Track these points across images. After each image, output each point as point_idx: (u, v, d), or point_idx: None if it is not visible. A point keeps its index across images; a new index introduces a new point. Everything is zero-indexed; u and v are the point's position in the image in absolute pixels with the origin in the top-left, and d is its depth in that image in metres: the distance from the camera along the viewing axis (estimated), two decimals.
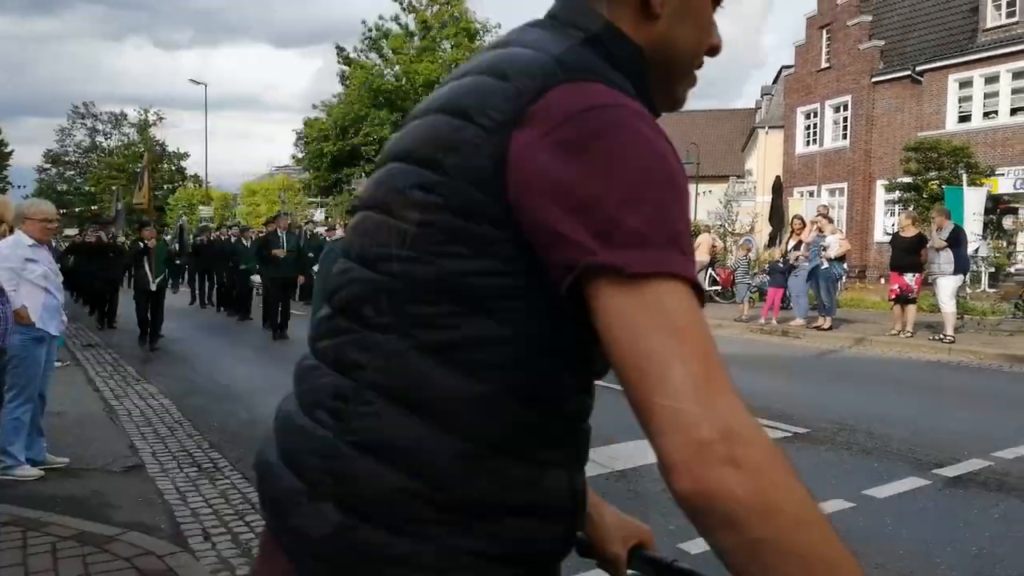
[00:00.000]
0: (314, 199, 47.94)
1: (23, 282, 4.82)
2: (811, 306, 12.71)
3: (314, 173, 34.34)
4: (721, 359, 0.74)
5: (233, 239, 15.89)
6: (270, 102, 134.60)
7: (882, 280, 20.64)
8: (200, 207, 43.43)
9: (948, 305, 10.54)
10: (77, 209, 56.56)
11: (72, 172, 63.99)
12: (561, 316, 0.82)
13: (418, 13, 32.98)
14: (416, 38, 32.91)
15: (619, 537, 1.17)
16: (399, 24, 33.33)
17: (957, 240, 10.46)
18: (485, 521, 0.84)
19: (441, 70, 30.60)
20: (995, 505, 4.43)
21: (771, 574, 0.68)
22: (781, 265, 12.70)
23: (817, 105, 27.21)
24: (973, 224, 14.44)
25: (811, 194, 25.79)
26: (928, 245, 10.63)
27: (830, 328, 11.78)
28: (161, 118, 50.02)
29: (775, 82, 37.47)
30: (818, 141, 27.30)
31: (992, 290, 15.70)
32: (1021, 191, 20.46)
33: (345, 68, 33.73)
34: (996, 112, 21.84)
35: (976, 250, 14.84)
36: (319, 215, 51.30)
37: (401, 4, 33.27)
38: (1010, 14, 21.61)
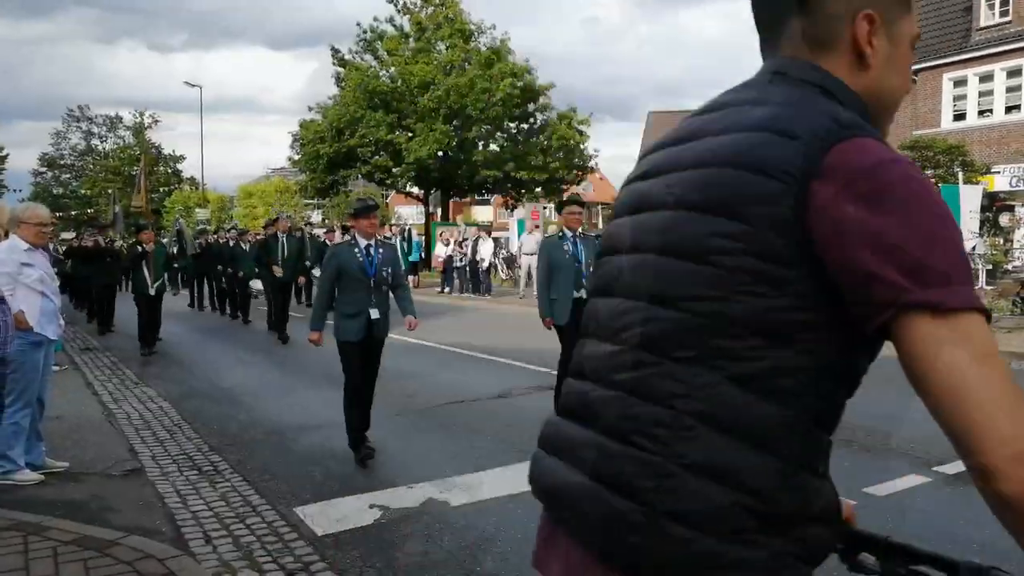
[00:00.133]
0: (311, 201, 47.92)
1: (19, 286, 4.81)
2: None
3: (310, 175, 34.20)
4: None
5: (231, 242, 15.81)
6: (265, 104, 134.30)
7: None
8: (197, 209, 43.42)
9: None
10: (73, 212, 56.41)
11: (68, 175, 63.76)
12: (852, 345, 0.97)
13: (413, 15, 32.93)
14: (411, 40, 32.85)
15: None
16: (394, 26, 33.27)
17: None
18: (796, 528, 0.97)
19: (436, 71, 30.55)
20: None
21: None
22: None
23: None
24: (970, 222, 14.47)
25: None
26: None
27: None
28: (157, 121, 50.19)
29: None
30: None
31: (990, 287, 15.69)
32: (1017, 188, 20.52)
33: (340, 70, 33.64)
34: (991, 110, 21.90)
35: (973, 248, 14.85)
36: (316, 217, 51.35)
37: (396, 6, 33.22)
38: (1003, 13, 21.68)
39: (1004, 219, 19.97)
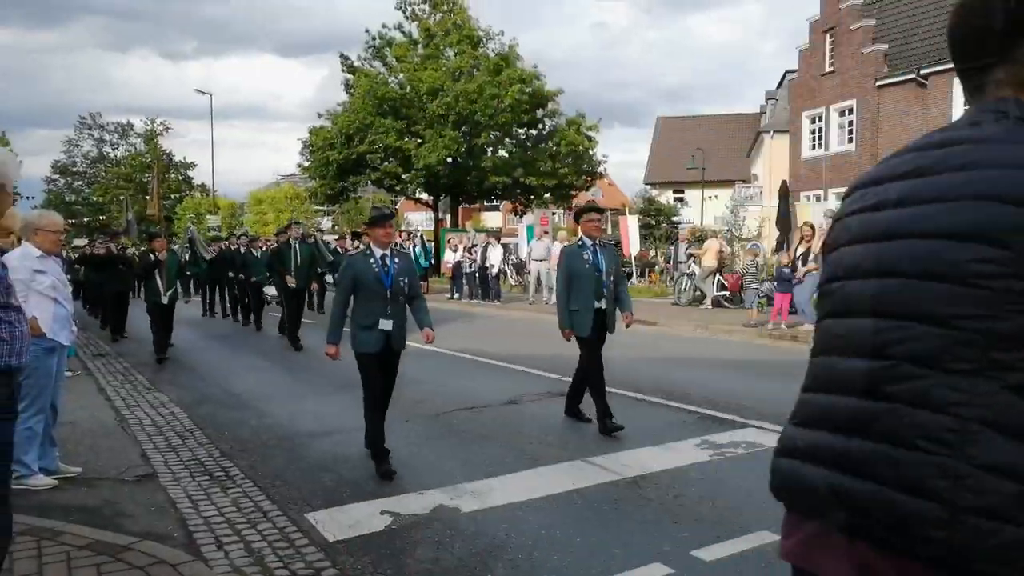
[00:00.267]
0: (320, 207, 48.10)
1: (32, 293, 4.84)
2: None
3: (320, 181, 34.35)
4: None
5: (242, 249, 15.87)
6: (275, 111, 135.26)
7: None
8: (208, 216, 43.65)
9: None
10: (85, 219, 56.83)
11: (80, 183, 64.27)
12: None
13: (421, 21, 33.07)
14: (420, 46, 32.98)
15: None
16: (403, 32, 33.42)
17: None
18: None
19: (445, 78, 30.62)
20: None
21: None
22: (787, 271, 12.67)
23: (822, 109, 27.19)
24: None
25: (818, 198, 25.73)
26: None
27: None
28: (168, 128, 50.54)
29: (779, 86, 37.46)
30: (824, 145, 27.26)
31: None
32: None
33: (349, 77, 33.80)
34: None
35: None
36: (326, 223, 51.53)
37: (404, 13, 33.38)
38: None
39: None
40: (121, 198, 52.85)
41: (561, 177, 32.08)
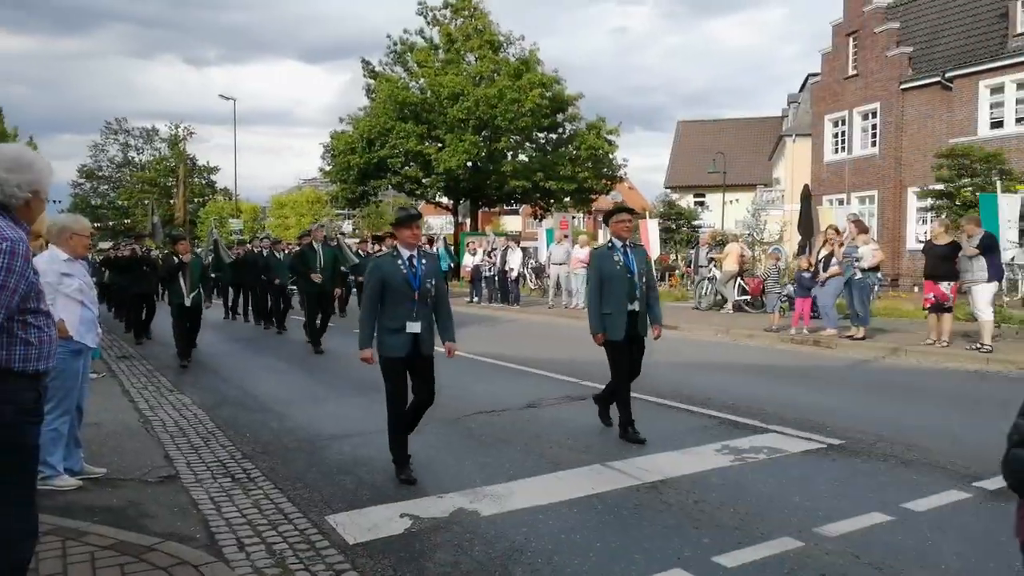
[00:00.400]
0: (341, 211, 48.37)
1: (59, 296, 4.91)
2: (843, 316, 12.53)
3: (341, 186, 34.54)
4: None
5: (265, 252, 15.97)
6: (298, 116, 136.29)
7: (915, 288, 20.31)
8: (230, 220, 44.07)
9: (985, 313, 10.34)
10: (111, 223, 57.59)
11: (105, 187, 65.18)
12: None
13: (442, 27, 33.21)
14: (441, 51, 33.11)
15: None
16: (424, 38, 33.58)
17: (989, 246, 10.26)
18: None
19: (465, 82, 30.72)
20: None
21: None
22: (806, 275, 12.55)
23: (845, 112, 26.95)
24: (1009, 231, 14.15)
25: (840, 202, 25.50)
26: (960, 254, 10.43)
27: (863, 338, 11.60)
28: (191, 133, 51.27)
29: (802, 90, 37.18)
30: (847, 149, 27.02)
31: None
32: None
33: (371, 82, 34.02)
34: None
35: (1012, 258, 14.54)
36: (347, 227, 51.83)
37: (426, 18, 33.54)
38: None
39: None
40: (146, 202, 53.58)
41: (581, 181, 32.05)
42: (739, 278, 17.01)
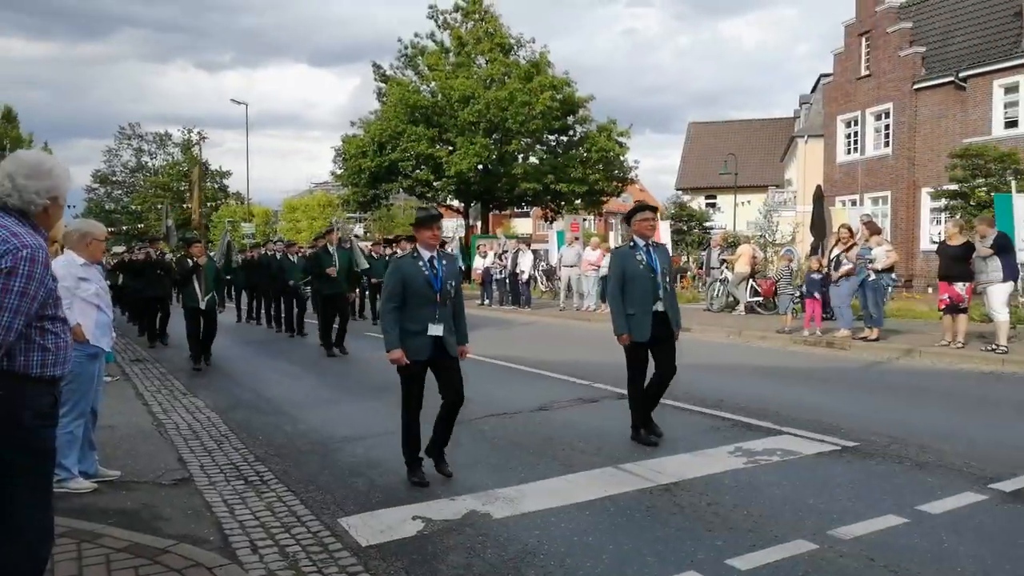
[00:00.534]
0: (353, 214, 48.51)
1: (76, 300, 4.96)
2: (856, 316, 12.45)
3: (352, 189, 34.68)
4: None
5: (279, 255, 16.02)
6: (310, 120, 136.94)
7: (929, 289, 20.17)
8: (242, 224, 44.29)
9: (1001, 314, 10.25)
10: (124, 227, 57.98)
11: (119, 191, 65.64)
12: None
13: (453, 30, 33.32)
14: (451, 54, 33.21)
15: None
16: (434, 41, 33.70)
17: (1002, 246, 10.18)
18: None
19: (476, 85, 30.78)
20: None
21: None
22: (816, 276, 12.48)
23: (858, 113, 26.81)
24: None
25: (853, 203, 25.36)
26: (974, 255, 10.35)
27: (877, 339, 11.53)
28: (204, 137, 51.44)
29: (814, 90, 37.02)
30: (859, 149, 26.87)
31: None
32: None
33: (382, 85, 34.17)
34: None
35: None
36: (359, 230, 51.96)
37: (436, 21, 33.67)
38: None
39: None
40: (159, 206, 53.90)
41: (592, 183, 32.04)
42: (751, 280, 16.94)
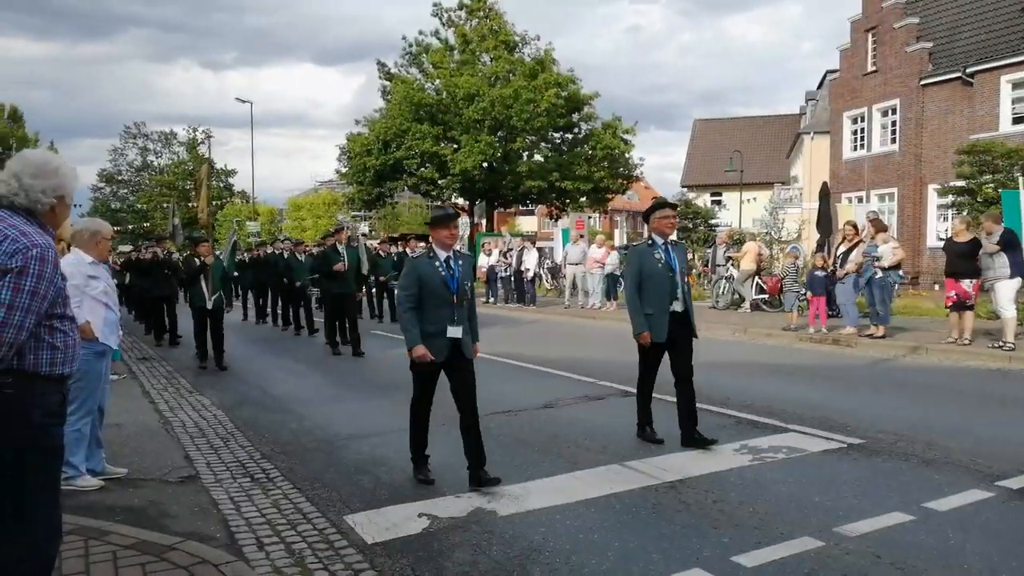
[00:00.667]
0: (358, 213, 48.56)
1: (85, 298, 4.98)
2: (862, 314, 12.42)
3: (357, 187, 34.62)
4: None
5: (286, 253, 16.02)
6: (314, 119, 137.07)
7: (936, 286, 20.09)
8: (248, 223, 44.36)
9: (1008, 311, 10.21)
10: (130, 226, 58.14)
11: (125, 190, 65.79)
12: None
13: (457, 27, 33.25)
14: (456, 52, 33.15)
15: None
16: (439, 39, 33.62)
17: (1009, 242, 10.14)
18: None
19: (481, 83, 30.74)
20: None
21: None
22: (820, 274, 12.45)
23: (864, 109, 26.72)
24: None
25: (860, 200, 25.29)
26: (980, 252, 10.31)
27: (883, 336, 11.50)
28: (209, 136, 51.50)
29: (820, 87, 36.90)
30: (866, 146, 26.78)
31: None
32: None
33: (387, 83, 34.11)
34: None
35: None
36: (364, 228, 52.04)
37: (441, 19, 33.59)
38: None
39: None
40: (166, 205, 54.01)
41: (597, 181, 31.96)
42: (757, 277, 16.91)
